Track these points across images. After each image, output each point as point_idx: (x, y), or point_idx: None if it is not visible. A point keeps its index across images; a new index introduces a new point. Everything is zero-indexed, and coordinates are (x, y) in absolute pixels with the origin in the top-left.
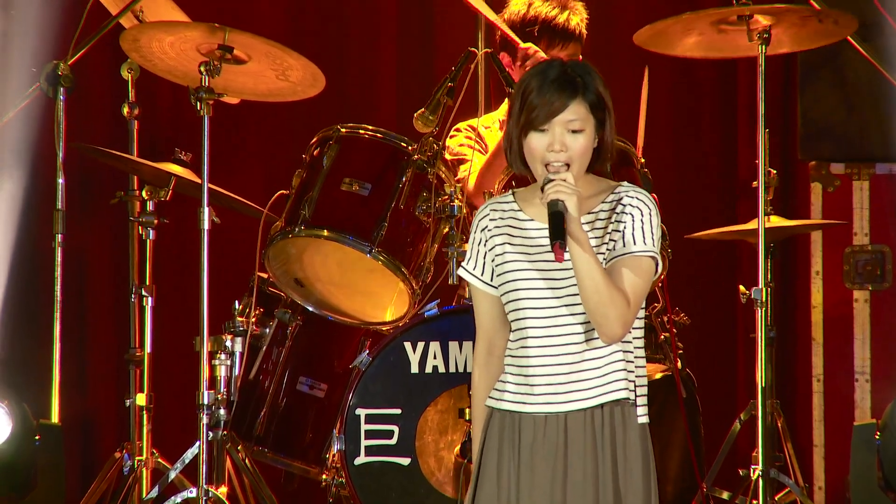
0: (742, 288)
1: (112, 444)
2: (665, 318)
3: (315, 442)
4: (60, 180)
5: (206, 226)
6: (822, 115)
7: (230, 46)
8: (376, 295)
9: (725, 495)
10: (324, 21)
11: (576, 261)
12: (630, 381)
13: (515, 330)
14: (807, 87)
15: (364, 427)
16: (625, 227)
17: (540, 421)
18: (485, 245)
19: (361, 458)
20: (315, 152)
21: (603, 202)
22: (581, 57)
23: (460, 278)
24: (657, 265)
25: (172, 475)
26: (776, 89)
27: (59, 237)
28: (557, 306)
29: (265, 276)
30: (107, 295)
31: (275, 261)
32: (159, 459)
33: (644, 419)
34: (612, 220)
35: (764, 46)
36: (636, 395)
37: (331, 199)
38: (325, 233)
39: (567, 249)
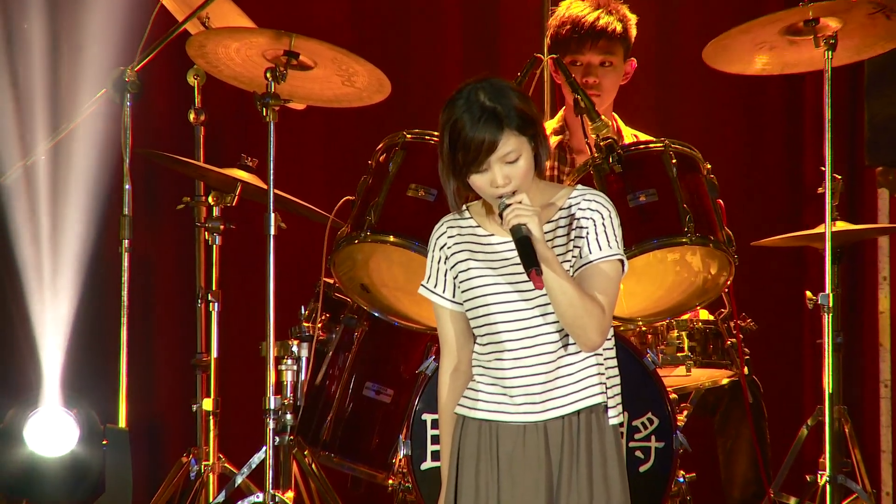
0: (809, 293)
1: (179, 448)
2: (732, 324)
3: (381, 447)
4: (127, 186)
5: (272, 231)
6: (888, 120)
7: (296, 52)
8: None
9: (793, 501)
10: (388, 27)
11: (547, 280)
12: (602, 383)
13: (488, 343)
14: (873, 91)
15: (430, 432)
16: (588, 234)
17: (519, 430)
18: (445, 263)
19: (428, 463)
20: (381, 158)
21: (560, 209)
22: (628, 59)
23: None
24: (624, 265)
25: (239, 480)
26: (843, 94)
27: (125, 242)
28: (531, 316)
29: (331, 281)
30: (173, 300)
31: (341, 266)
32: (226, 464)
33: (615, 420)
34: (574, 226)
35: (830, 52)
36: (608, 398)
37: (397, 204)
38: (392, 238)
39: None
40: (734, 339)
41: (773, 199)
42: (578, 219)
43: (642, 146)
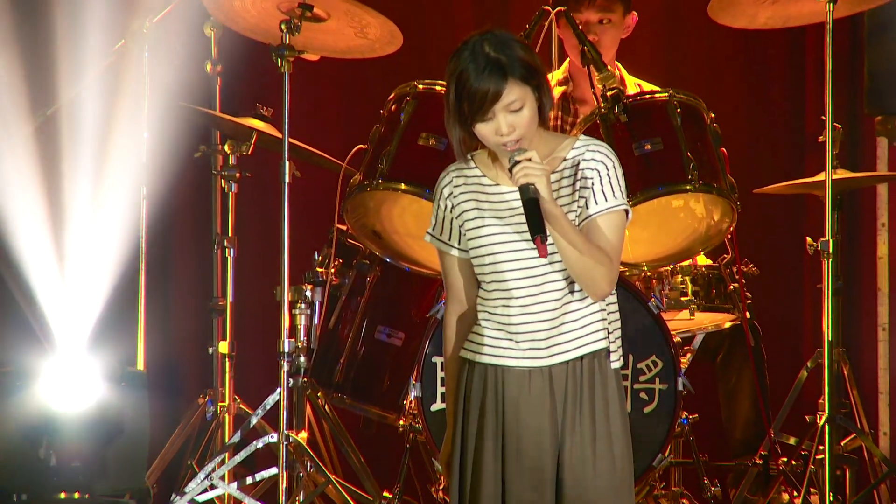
0: (809, 240)
1: (196, 390)
2: (734, 269)
3: (392, 389)
4: (145, 135)
5: (286, 179)
6: (887, 70)
7: (310, 5)
8: None
9: (792, 441)
10: None
11: (556, 237)
12: (605, 329)
13: (494, 290)
14: (873, 42)
15: (440, 374)
16: (593, 184)
17: (524, 374)
18: (451, 211)
19: (438, 405)
20: (392, 108)
21: (565, 160)
22: (628, 13)
23: None
24: (628, 214)
25: (254, 421)
26: (843, 45)
27: (143, 190)
28: (538, 264)
29: (344, 228)
30: (190, 246)
31: (353, 213)
32: (241, 405)
33: (617, 364)
34: (579, 176)
35: (832, 5)
36: (609, 342)
37: (408, 153)
38: (403, 186)
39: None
40: (736, 284)
41: (775, 148)
42: (583, 170)
43: (648, 96)
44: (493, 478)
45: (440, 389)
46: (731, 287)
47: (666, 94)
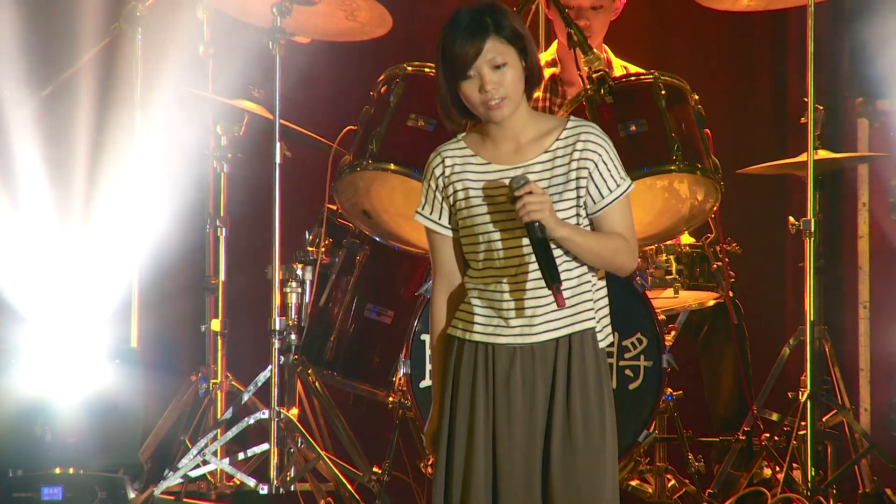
0: (792, 219)
1: (189, 368)
2: (717, 249)
3: (382, 366)
4: (138, 116)
5: (277, 160)
6: (869, 52)
7: None
8: None
9: (775, 417)
10: None
11: (573, 252)
12: (592, 308)
13: (486, 268)
14: (855, 24)
15: (429, 352)
16: (596, 173)
17: (514, 352)
18: (442, 191)
19: (426, 382)
20: (382, 90)
21: (557, 139)
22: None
23: None
24: (631, 186)
25: (246, 397)
26: (825, 27)
27: (136, 170)
28: (527, 244)
29: (334, 207)
30: (183, 226)
31: (343, 193)
32: (233, 383)
33: (604, 343)
34: (575, 157)
35: None
36: (596, 321)
37: (397, 134)
38: (392, 166)
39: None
40: (720, 263)
41: (758, 129)
42: (581, 150)
43: (633, 78)
44: (484, 454)
45: (429, 366)
46: (715, 266)
47: (651, 77)
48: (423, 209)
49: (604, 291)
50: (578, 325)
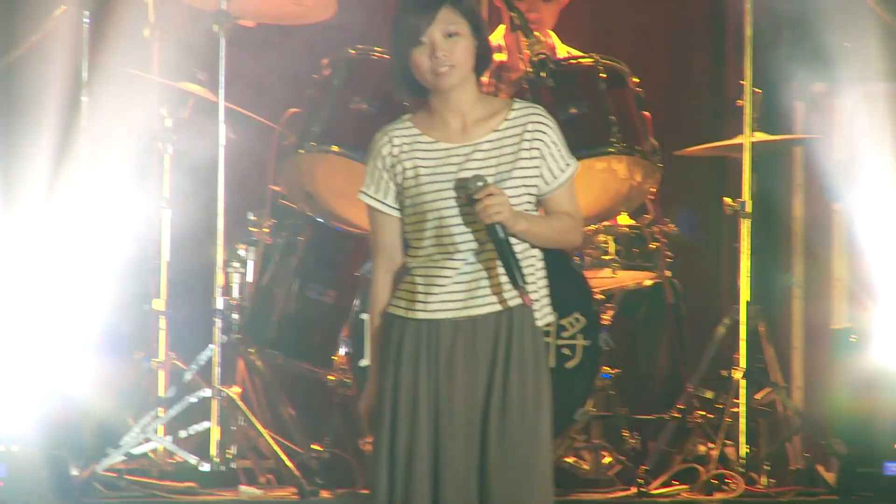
0: (728, 200)
1: (132, 347)
2: (655, 229)
3: (323, 345)
4: (84, 98)
5: (222, 141)
6: (804, 37)
7: None
8: None
9: (709, 395)
10: None
11: (528, 241)
12: (535, 283)
13: (433, 245)
14: (792, 8)
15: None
16: (545, 155)
17: (458, 326)
18: (389, 170)
19: (366, 361)
20: (326, 73)
21: (506, 120)
22: None
23: None
24: (578, 166)
25: (188, 376)
26: (763, 11)
27: (82, 153)
28: (475, 220)
29: (278, 189)
30: (128, 207)
31: (287, 175)
32: (176, 361)
33: (544, 321)
34: (527, 138)
35: None
36: (537, 299)
37: (340, 116)
38: (335, 149)
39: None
40: (657, 244)
41: (697, 112)
42: (533, 134)
43: (573, 61)
44: (427, 430)
45: (367, 345)
46: (652, 246)
47: (591, 60)
48: (367, 188)
49: (544, 269)
50: (518, 300)
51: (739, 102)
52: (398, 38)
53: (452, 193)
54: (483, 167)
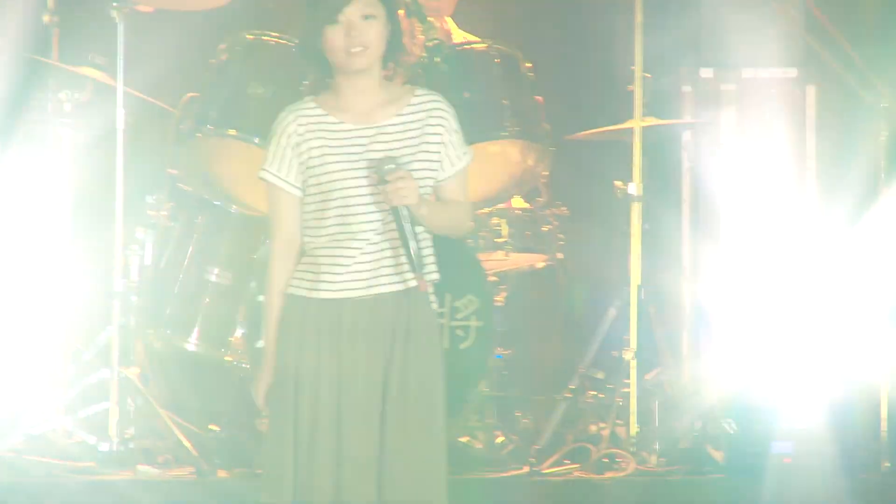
0: (619, 183)
1: (31, 327)
2: (548, 212)
3: (221, 326)
4: None
5: (120, 125)
6: (693, 23)
7: None
8: None
9: (601, 375)
10: None
11: (426, 225)
12: (434, 264)
13: (336, 225)
14: None
15: None
16: (444, 142)
17: (359, 305)
18: (293, 150)
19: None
20: (223, 58)
21: (409, 105)
22: None
23: None
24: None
25: (87, 357)
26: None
27: None
28: (379, 201)
29: (176, 172)
30: (26, 189)
31: (185, 158)
32: (75, 342)
33: (435, 305)
34: (431, 123)
35: None
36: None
37: (237, 101)
38: (232, 132)
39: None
40: (550, 226)
41: (588, 97)
42: (437, 120)
43: (467, 46)
44: (330, 408)
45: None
46: (545, 229)
47: (485, 45)
48: (270, 166)
49: (433, 256)
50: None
51: (630, 87)
52: (314, 14)
53: (357, 174)
54: (388, 150)
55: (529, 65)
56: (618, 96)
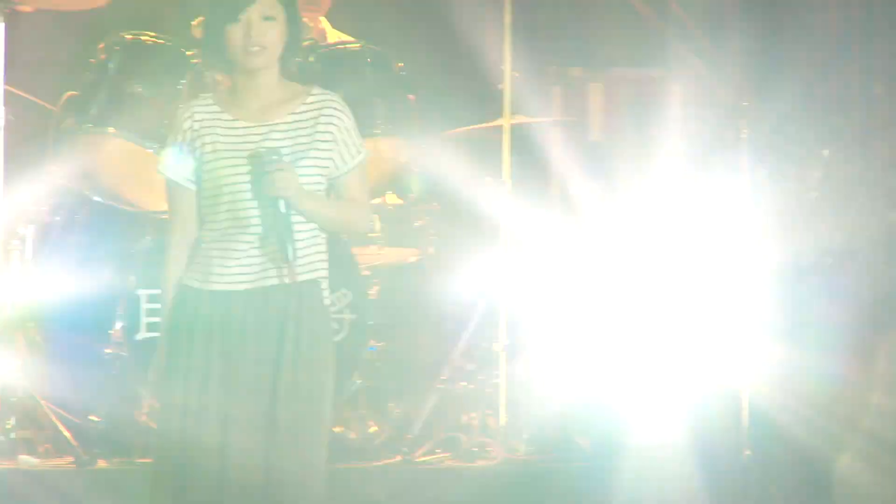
0: (488, 179)
1: None
2: (420, 208)
3: (101, 319)
4: None
5: (1, 122)
6: (561, 23)
7: None
8: (158, 186)
9: (470, 367)
10: None
11: (314, 222)
12: (325, 260)
13: (228, 219)
14: None
15: (144, 306)
16: (338, 139)
17: (249, 298)
18: (189, 144)
19: (142, 334)
20: (102, 57)
21: (304, 104)
22: None
23: None
24: (367, 153)
25: None
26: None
27: None
28: (271, 196)
29: (56, 169)
30: None
31: (65, 155)
32: None
33: (328, 301)
34: (322, 122)
35: None
36: (325, 277)
37: (116, 99)
38: (112, 130)
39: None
40: (422, 221)
41: (460, 95)
42: (328, 118)
43: (341, 46)
44: (218, 398)
45: (144, 320)
46: (417, 224)
47: (358, 45)
48: (167, 161)
49: (325, 254)
50: (308, 275)
51: (500, 86)
52: (216, 13)
53: (248, 169)
54: (279, 147)
55: (401, 64)
56: (488, 94)
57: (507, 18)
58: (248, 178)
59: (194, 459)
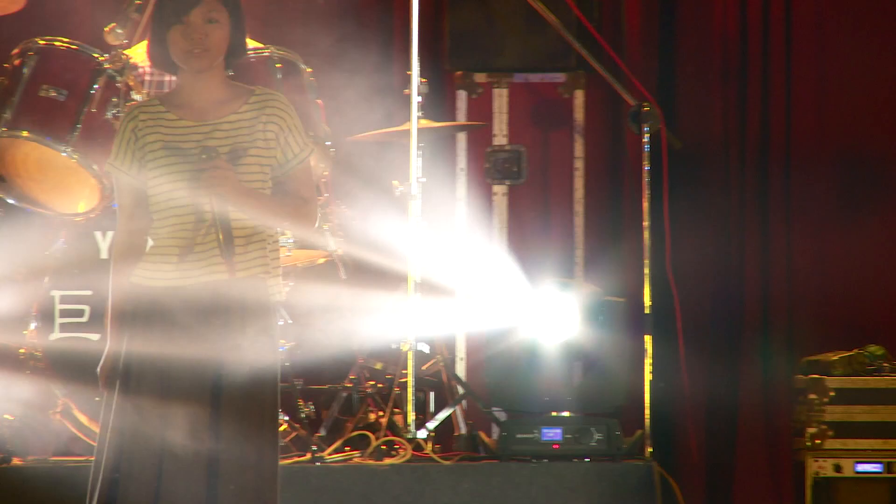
0: (396, 182)
1: None
2: (329, 210)
3: (16, 320)
4: None
5: None
6: (467, 30)
7: None
8: (71, 190)
9: (379, 366)
10: None
11: (255, 219)
12: (265, 257)
13: (172, 216)
14: (455, 4)
15: (58, 307)
16: (283, 136)
17: (192, 294)
18: (135, 143)
19: (55, 335)
20: (16, 62)
21: (246, 103)
22: None
23: None
24: (312, 151)
25: None
26: (428, 6)
27: None
28: (207, 193)
29: None
30: None
31: None
32: None
33: (276, 297)
34: (262, 121)
35: None
36: (270, 275)
37: (30, 103)
38: (25, 133)
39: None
40: (331, 224)
41: (368, 99)
42: (269, 117)
43: (251, 52)
44: (159, 394)
45: (58, 321)
46: (326, 226)
47: (267, 51)
48: (114, 160)
49: (277, 251)
50: (249, 272)
51: (407, 91)
52: (161, 15)
53: (188, 167)
54: (221, 145)
55: (310, 70)
56: (395, 100)
57: (414, 26)
58: (188, 175)
59: (133, 460)
